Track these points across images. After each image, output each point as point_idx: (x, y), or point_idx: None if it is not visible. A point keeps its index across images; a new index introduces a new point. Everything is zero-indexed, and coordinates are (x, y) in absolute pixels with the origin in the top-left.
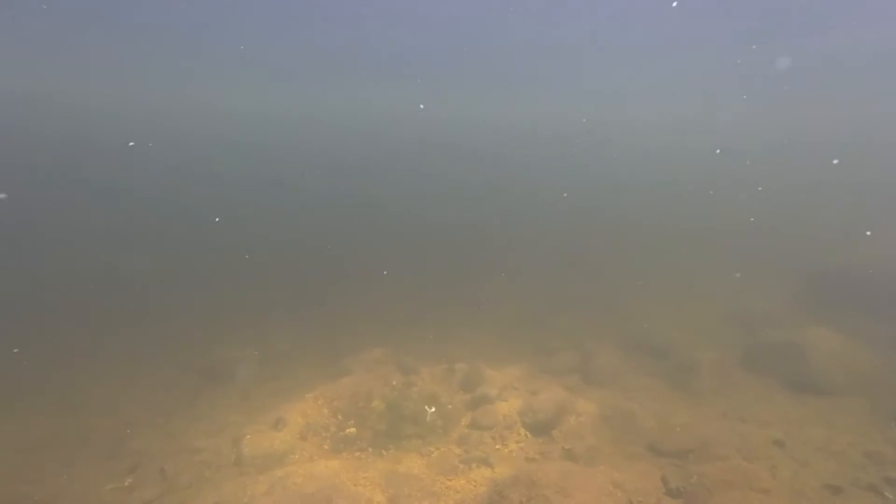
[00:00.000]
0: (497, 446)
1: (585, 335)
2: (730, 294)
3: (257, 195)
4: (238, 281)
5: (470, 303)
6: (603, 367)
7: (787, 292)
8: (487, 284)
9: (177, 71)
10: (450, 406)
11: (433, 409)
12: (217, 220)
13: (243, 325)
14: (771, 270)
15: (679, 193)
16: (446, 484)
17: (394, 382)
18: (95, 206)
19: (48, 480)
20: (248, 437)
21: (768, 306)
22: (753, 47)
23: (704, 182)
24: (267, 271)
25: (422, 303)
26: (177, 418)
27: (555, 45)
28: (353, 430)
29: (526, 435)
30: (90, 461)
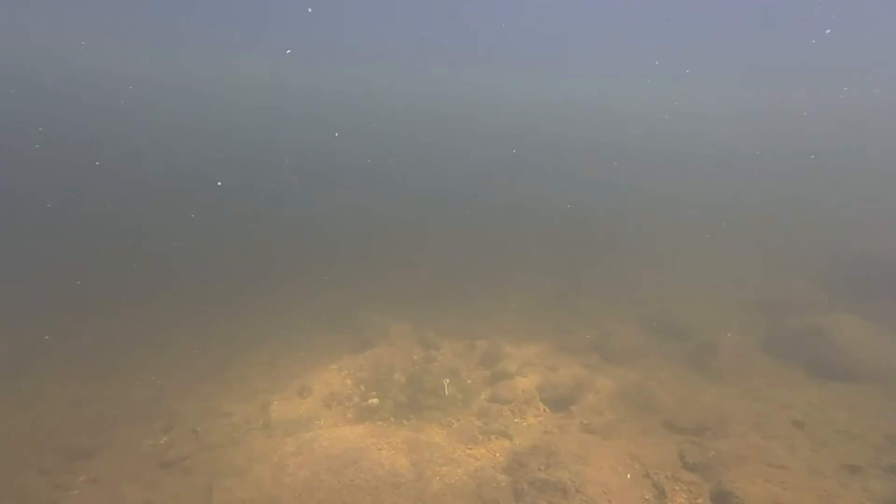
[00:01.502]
0: (516, 419)
1: (606, 315)
2: (754, 278)
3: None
4: (268, 257)
5: (491, 281)
6: (622, 347)
7: (812, 277)
8: (511, 262)
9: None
10: (469, 381)
11: (448, 381)
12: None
13: (272, 297)
14: (797, 255)
15: (706, 177)
16: (466, 452)
17: (415, 357)
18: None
19: (93, 434)
20: (275, 403)
21: (793, 291)
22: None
23: (737, 164)
24: (296, 248)
25: (445, 280)
26: (208, 384)
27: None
28: (375, 400)
29: (544, 409)
30: (130, 419)
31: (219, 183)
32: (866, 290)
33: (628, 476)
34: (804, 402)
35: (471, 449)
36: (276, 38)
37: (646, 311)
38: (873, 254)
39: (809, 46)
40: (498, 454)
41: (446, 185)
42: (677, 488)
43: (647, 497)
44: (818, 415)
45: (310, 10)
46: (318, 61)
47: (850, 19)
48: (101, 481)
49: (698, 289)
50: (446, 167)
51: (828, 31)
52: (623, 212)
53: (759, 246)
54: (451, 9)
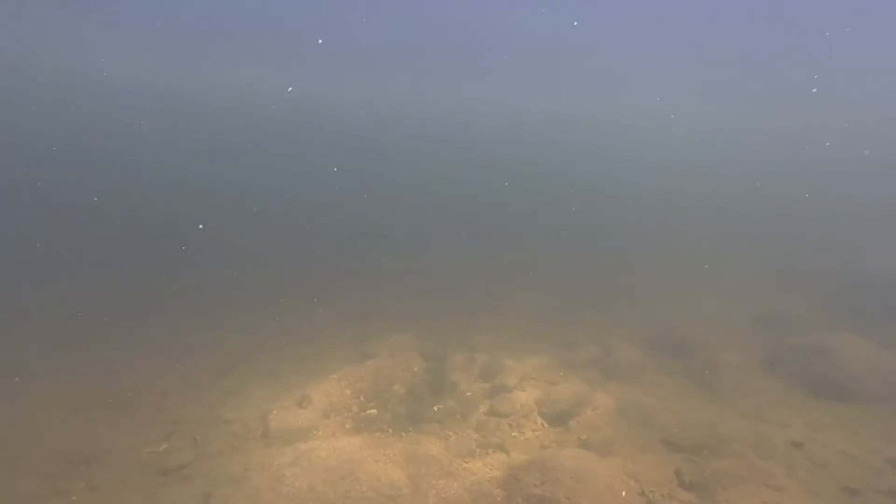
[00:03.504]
0: (514, 433)
1: (607, 330)
2: (755, 295)
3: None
4: (268, 266)
5: (493, 294)
6: (623, 363)
7: (813, 295)
8: (514, 275)
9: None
10: (469, 393)
11: (438, 408)
12: (255, 209)
13: (275, 307)
14: (799, 272)
15: (713, 192)
16: (463, 465)
17: (415, 368)
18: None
19: (93, 440)
20: (274, 412)
21: (796, 309)
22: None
23: (739, 181)
24: (299, 256)
25: (447, 292)
26: (209, 391)
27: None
28: (374, 411)
29: (543, 424)
30: (130, 425)
31: (220, 189)
32: (867, 309)
33: (623, 494)
34: (804, 423)
35: (468, 462)
36: (292, 54)
37: (647, 326)
38: (874, 272)
39: (813, 63)
40: (494, 468)
41: (449, 196)
42: None
43: None
44: (818, 436)
45: (320, 41)
46: (322, 73)
47: (853, 38)
48: (101, 488)
49: (699, 305)
50: (449, 178)
51: (826, 33)
52: (625, 226)
53: (759, 263)
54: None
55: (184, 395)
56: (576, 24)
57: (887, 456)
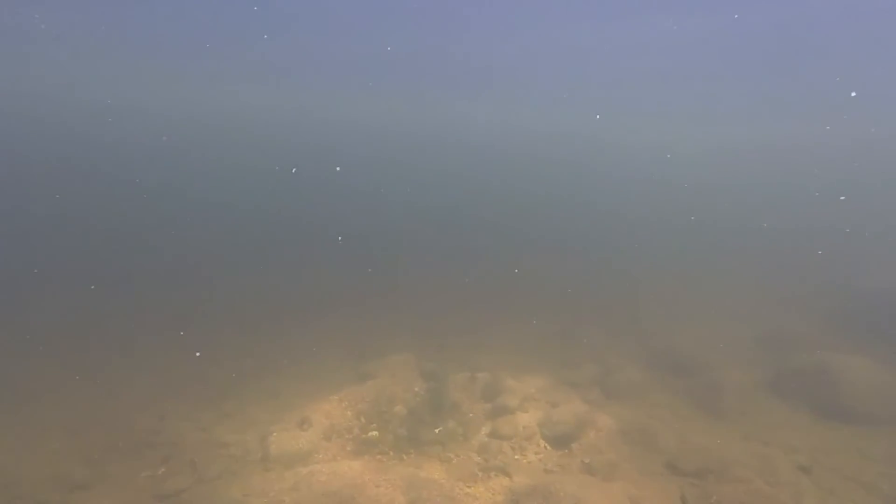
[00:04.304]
0: (516, 456)
1: (609, 349)
2: (761, 314)
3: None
4: (267, 283)
5: (493, 312)
6: (625, 383)
7: (820, 314)
8: (514, 294)
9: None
10: (471, 414)
11: (439, 430)
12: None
13: (272, 326)
14: (802, 291)
15: (715, 210)
16: (465, 490)
17: (416, 388)
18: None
19: (90, 463)
20: (274, 434)
21: (800, 328)
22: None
23: (742, 198)
24: (298, 276)
25: (447, 311)
26: (207, 413)
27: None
28: (375, 433)
29: (545, 447)
30: (128, 449)
31: (220, 200)
32: (872, 328)
33: None
34: (810, 447)
35: (470, 487)
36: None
37: (648, 345)
38: (879, 288)
39: (816, 83)
40: (497, 493)
41: (449, 214)
42: None
43: None
44: (825, 460)
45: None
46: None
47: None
48: None
49: (701, 324)
50: (448, 196)
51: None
52: (626, 244)
53: (764, 280)
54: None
55: (182, 418)
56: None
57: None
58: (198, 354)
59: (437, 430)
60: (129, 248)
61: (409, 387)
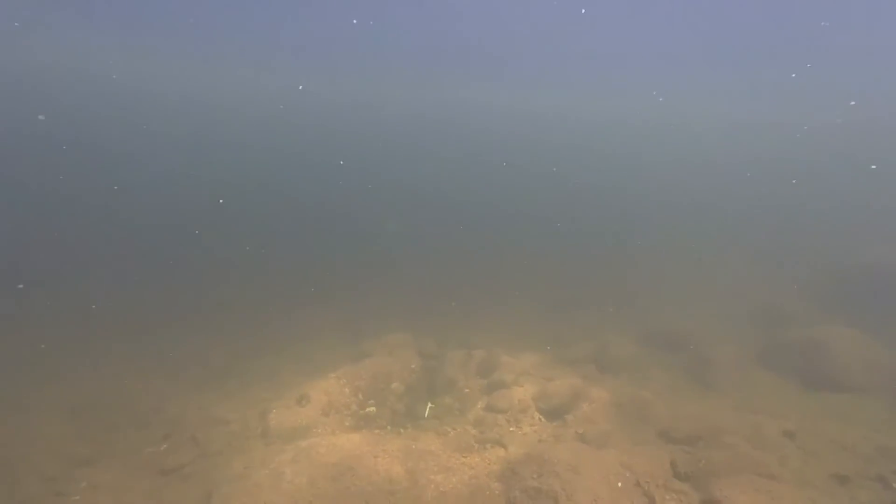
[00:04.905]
0: (511, 428)
1: (602, 326)
2: (749, 289)
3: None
4: (266, 266)
5: (489, 292)
6: (618, 358)
7: (808, 288)
8: (510, 273)
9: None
10: (467, 390)
11: (432, 406)
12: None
13: (274, 307)
14: (792, 266)
15: (706, 188)
16: (461, 460)
17: (413, 366)
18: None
19: (94, 441)
20: (274, 411)
21: (789, 302)
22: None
23: (733, 176)
24: (297, 257)
25: (444, 290)
26: (208, 391)
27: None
28: (373, 409)
29: (540, 419)
30: (130, 427)
31: (220, 200)
32: (859, 301)
33: (619, 485)
34: (797, 414)
35: (466, 457)
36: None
37: (642, 322)
38: (866, 264)
39: (806, 59)
40: (492, 463)
41: (446, 195)
42: (667, 497)
43: None
44: (810, 426)
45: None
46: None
47: (851, 31)
48: (102, 488)
49: (694, 300)
50: (448, 177)
51: (825, 24)
52: (620, 223)
53: (754, 257)
54: None
55: (184, 395)
56: (583, 11)
57: (877, 444)
58: (197, 335)
59: (430, 405)
60: (128, 233)
61: (407, 364)
